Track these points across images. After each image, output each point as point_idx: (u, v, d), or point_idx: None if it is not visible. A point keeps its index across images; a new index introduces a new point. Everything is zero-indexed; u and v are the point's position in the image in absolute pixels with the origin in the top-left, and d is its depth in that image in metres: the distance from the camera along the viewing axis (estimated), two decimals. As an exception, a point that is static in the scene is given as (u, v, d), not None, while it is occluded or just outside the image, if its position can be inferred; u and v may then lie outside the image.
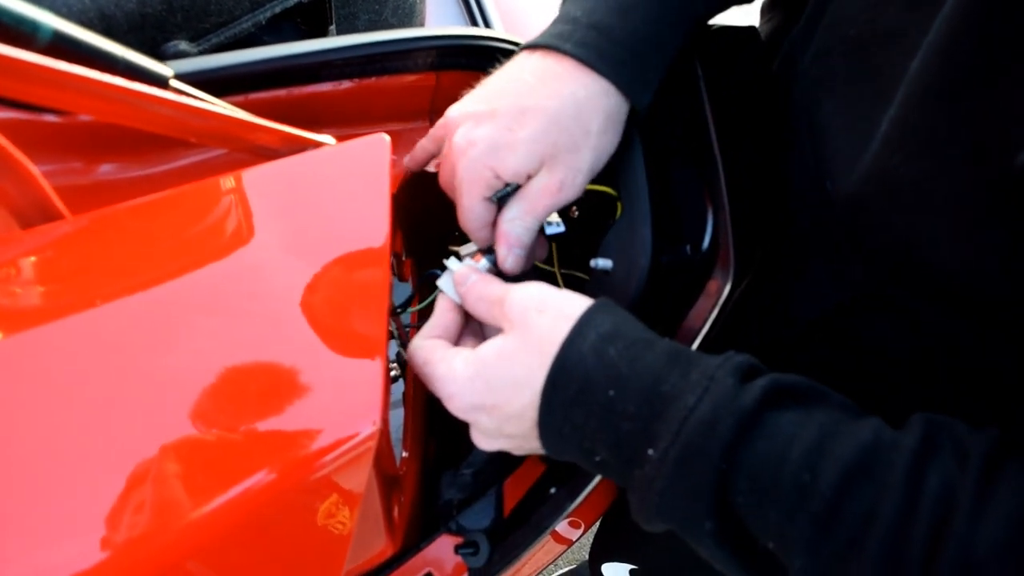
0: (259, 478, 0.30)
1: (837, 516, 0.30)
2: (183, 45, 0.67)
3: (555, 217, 0.46)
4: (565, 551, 0.69)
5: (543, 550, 0.63)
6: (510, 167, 0.43)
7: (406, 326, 0.61)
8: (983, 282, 0.34)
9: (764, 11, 0.62)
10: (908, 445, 0.31)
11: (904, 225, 0.37)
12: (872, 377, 0.46)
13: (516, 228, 0.45)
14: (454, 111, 0.46)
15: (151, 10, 0.63)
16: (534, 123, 0.43)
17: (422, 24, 1.00)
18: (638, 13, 0.44)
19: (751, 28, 0.54)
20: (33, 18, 0.34)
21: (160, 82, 0.38)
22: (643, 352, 0.36)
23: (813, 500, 0.30)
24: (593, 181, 0.46)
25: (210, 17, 0.68)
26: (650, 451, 0.34)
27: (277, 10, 0.73)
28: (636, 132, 0.46)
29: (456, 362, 0.40)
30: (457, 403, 0.40)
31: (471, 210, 0.45)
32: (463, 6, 1.01)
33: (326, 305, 0.37)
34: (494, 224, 0.46)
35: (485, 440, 0.41)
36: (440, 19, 1.02)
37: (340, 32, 0.86)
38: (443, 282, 0.45)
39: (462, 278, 0.44)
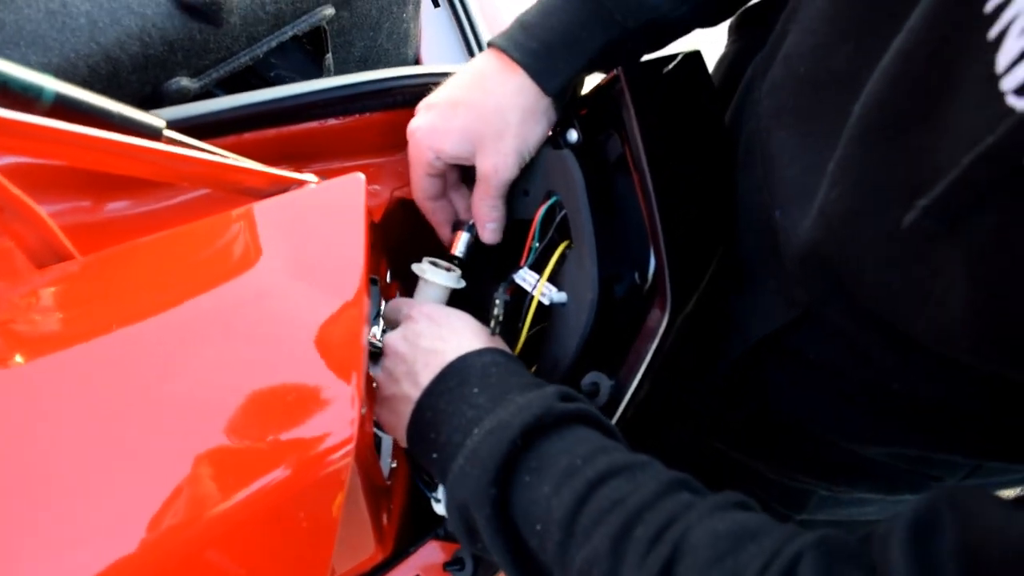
0: (271, 478, 0.35)
1: (593, 495, 0.35)
2: (184, 81, 0.71)
3: (553, 290, 0.50)
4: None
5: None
6: (447, 150, 0.53)
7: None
8: (903, 315, 0.37)
9: (731, 31, 0.64)
10: (671, 475, 0.37)
11: (837, 258, 0.39)
12: (825, 396, 0.49)
13: (483, 208, 0.54)
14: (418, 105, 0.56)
15: (154, 51, 0.67)
16: (464, 115, 0.52)
17: (417, 47, 1.04)
18: (557, 15, 0.50)
19: (695, 53, 0.56)
20: (37, 83, 0.38)
21: (154, 134, 0.42)
22: (514, 376, 0.44)
23: (577, 479, 0.36)
24: (546, 229, 0.52)
25: (209, 54, 0.72)
26: (476, 430, 0.41)
27: (274, 44, 0.77)
28: (580, 170, 0.49)
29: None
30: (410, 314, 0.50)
31: (417, 184, 0.56)
32: (457, 29, 1.05)
33: (309, 333, 0.40)
34: (437, 198, 0.57)
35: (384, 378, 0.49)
36: (435, 42, 1.05)
37: (336, 59, 0.90)
38: (418, 267, 0.51)
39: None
